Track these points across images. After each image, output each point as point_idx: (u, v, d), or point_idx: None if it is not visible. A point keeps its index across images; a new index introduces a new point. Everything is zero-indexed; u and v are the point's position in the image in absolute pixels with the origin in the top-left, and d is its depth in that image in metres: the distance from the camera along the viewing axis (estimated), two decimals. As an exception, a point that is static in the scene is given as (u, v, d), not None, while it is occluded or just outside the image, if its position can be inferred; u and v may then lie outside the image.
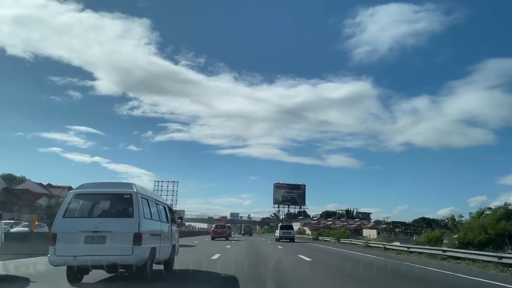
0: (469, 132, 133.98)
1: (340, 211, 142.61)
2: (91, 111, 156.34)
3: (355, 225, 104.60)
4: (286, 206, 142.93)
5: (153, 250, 8.34)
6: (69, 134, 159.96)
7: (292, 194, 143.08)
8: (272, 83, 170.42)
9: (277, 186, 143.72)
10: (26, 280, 7.88)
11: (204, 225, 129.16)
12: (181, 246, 13.63)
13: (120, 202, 8.28)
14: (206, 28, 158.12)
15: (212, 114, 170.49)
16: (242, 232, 70.38)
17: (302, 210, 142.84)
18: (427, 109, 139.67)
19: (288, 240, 37.78)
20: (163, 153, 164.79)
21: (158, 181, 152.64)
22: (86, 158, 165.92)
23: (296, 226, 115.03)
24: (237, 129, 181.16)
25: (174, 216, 11.54)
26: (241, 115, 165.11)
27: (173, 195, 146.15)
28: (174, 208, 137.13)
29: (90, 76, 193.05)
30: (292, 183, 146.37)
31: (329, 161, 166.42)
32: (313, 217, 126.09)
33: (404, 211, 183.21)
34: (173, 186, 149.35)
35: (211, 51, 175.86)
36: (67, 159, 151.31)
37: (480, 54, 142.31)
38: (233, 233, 72.04)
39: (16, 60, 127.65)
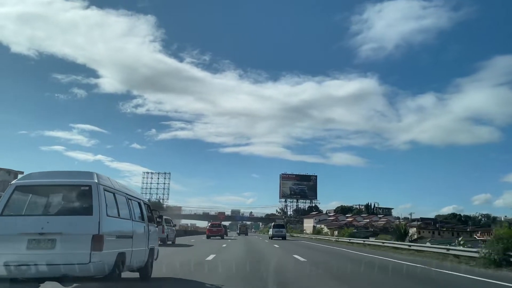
0: (474, 130, 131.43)
1: (358, 206, 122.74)
2: (95, 109, 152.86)
3: (382, 222, 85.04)
4: (295, 200, 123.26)
5: (121, 256, 6.83)
6: (72, 132, 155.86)
7: (301, 186, 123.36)
8: (277, 80, 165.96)
9: (284, 177, 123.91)
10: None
11: (205, 223, 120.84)
12: (176, 245, 18.03)
13: (76, 195, 6.70)
14: (212, 25, 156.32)
15: (217, 112, 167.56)
16: (238, 231, 68.83)
17: (313, 205, 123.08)
18: (433, 106, 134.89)
19: (280, 238, 39.71)
20: (166, 151, 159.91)
21: (148, 173, 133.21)
22: (89, 157, 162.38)
23: (309, 223, 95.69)
24: (241, 127, 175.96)
25: (153, 214, 9.56)
26: (246, 113, 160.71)
27: (164, 188, 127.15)
28: (166, 204, 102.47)
29: (95, 74, 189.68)
30: (302, 173, 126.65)
31: (333, 159, 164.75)
32: (326, 212, 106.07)
33: (407, 209, 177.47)
34: (165, 178, 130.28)
35: (216, 48, 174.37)
36: (70, 157, 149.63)
37: (488, 50, 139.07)
38: (230, 231, 71.05)
39: (20, 58, 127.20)
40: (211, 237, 38.11)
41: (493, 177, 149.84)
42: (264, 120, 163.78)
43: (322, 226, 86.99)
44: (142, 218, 8.49)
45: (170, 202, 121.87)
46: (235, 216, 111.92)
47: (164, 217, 22.52)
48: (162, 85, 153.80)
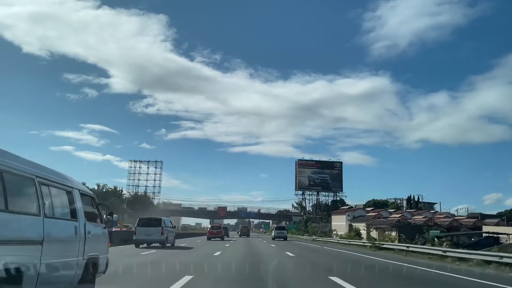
0: (488, 129, 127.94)
1: (395, 200, 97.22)
2: (105, 109, 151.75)
3: (447, 221, 59.76)
4: (314, 192, 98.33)
5: (16, 273, 4.47)
6: (82, 132, 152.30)
7: (323, 175, 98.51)
8: (288, 79, 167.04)
9: (302, 164, 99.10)
10: None
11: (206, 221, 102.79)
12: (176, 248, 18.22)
13: None
14: (223, 24, 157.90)
15: (227, 111, 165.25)
16: (239, 232, 60.85)
17: (338, 198, 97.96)
18: (446, 105, 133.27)
19: (282, 239, 43.99)
20: (175, 151, 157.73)
21: (135, 161, 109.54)
22: (98, 157, 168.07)
23: (339, 221, 70.90)
24: (250, 126, 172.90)
25: (99, 211, 7.29)
26: (256, 112, 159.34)
27: (155, 180, 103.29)
28: (157, 199, 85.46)
29: (105, 74, 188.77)
30: (323, 159, 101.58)
31: (343, 158, 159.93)
32: (364, 206, 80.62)
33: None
34: (156, 168, 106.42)
35: (227, 47, 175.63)
36: (79, 157, 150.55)
37: (503, 48, 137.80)
38: (231, 231, 69.40)
39: (32, 58, 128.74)
40: (212, 239, 38.09)
41: (505, 176, 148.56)
42: (274, 119, 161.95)
43: (358, 225, 62.15)
44: (72, 214, 6.04)
45: (174, 200, 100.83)
46: (240, 212, 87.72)
47: (163, 218, 21.89)
48: (172, 84, 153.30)
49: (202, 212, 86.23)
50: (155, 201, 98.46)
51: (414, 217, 66.83)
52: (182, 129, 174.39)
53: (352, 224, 62.25)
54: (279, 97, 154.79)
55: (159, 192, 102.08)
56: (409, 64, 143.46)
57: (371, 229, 54.61)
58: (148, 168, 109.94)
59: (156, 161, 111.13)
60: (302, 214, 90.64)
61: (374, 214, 65.82)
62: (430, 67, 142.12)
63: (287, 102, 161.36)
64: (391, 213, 69.79)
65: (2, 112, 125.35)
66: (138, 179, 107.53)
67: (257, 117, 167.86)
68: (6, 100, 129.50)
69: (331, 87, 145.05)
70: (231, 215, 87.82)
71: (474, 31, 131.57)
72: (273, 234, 46.58)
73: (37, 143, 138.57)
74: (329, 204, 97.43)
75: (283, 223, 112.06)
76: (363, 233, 61.88)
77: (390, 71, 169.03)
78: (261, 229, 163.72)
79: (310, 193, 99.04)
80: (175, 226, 29.26)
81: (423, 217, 65.01)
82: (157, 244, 20.96)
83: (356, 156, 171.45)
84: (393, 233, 46.35)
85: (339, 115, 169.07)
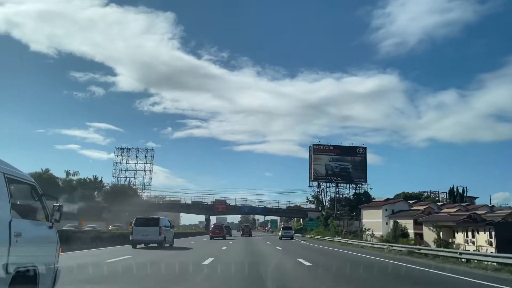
0: (496, 127, 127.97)
1: (429, 193, 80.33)
2: (111, 108, 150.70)
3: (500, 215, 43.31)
4: (333, 183, 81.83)
5: None
6: (88, 131, 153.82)
7: (343, 163, 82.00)
8: (295, 77, 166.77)
9: (318, 150, 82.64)
10: None
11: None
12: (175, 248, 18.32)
13: None
14: (230, 22, 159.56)
15: (233, 109, 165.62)
16: (241, 232, 58.31)
17: (362, 190, 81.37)
18: (454, 103, 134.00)
19: (289, 238, 44.99)
20: (181, 150, 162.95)
21: (121, 149, 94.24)
22: (103, 155, 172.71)
23: (373, 217, 54.47)
24: (257, 125, 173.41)
25: (43, 203, 5.45)
26: (262, 110, 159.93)
27: (145, 170, 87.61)
28: (147, 193, 75.00)
29: (112, 72, 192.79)
30: (341, 143, 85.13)
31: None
32: (395, 200, 63.72)
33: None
34: (146, 157, 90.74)
35: (234, 45, 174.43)
36: (85, 156, 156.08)
37: None
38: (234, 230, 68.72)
39: (39, 56, 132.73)
40: (214, 238, 38.37)
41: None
42: (281, 118, 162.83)
43: (404, 222, 45.89)
44: None
45: (167, 193, 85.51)
46: (243, 208, 71.41)
47: (161, 217, 22.10)
48: (179, 82, 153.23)
49: (195, 207, 70.25)
50: (144, 195, 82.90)
51: (473, 212, 50.06)
52: (188, 128, 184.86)
53: (397, 220, 45.71)
54: (286, 95, 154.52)
55: (149, 185, 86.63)
56: (418, 62, 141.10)
57: (431, 228, 38.00)
58: (137, 157, 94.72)
59: (146, 149, 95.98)
60: (320, 209, 74.19)
61: (422, 207, 49.13)
62: (439, 65, 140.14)
63: (294, 101, 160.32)
64: (440, 207, 53.09)
65: (10, 111, 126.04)
66: (126, 170, 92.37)
67: (263, 116, 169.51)
68: (14, 98, 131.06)
69: (339, 85, 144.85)
70: (232, 210, 71.96)
71: (484, 28, 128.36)
72: (280, 233, 48.74)
73: (44, 141, 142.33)
74: (351, 197, 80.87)
75: (294, 221, 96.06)
76: (410, 233, 45.52)
77: (398, 69, 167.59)
78: (267, 228, 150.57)
79: (328, 184, 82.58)
80: (173, 226, 27.70)
81: (485, 212, 48.30)
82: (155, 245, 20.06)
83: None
84: (483, 234, 29.90)
85: (346, 114, 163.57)
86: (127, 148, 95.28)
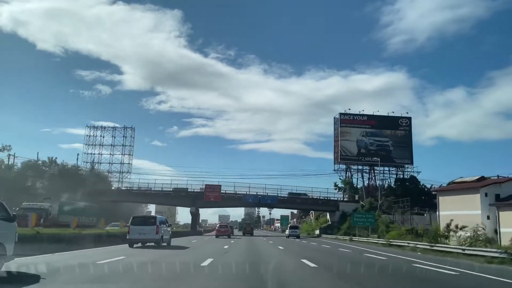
0: (505, 125, 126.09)
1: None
2: (117, 106, 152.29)
3: None
4: (367, 166, 60.90)
5: None
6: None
7: (381, 139, 61.32)
8: (302, 75, 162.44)
9: (347, 121, 62.03)
10: (36, 277, 7.65)
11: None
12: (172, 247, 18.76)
13: None
14: (238, 20, 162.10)
15: (239, 108, 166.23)
16: (243, 231, 54.00)
17: (407, 175, 60.28)
18: (463, 101, 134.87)
19: (295, 237, 42.67)
20: (186, 148, 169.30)
21: (94, 127, 74.42)
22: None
23: (461, 208, 33.49)
24: (263, 123, 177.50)
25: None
26: (269, 108, 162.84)
27: (122, 155, 68.10)
28: (127, 179, 64.91)
29: (118, 70, 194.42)
30: (377, 113, 64.13)
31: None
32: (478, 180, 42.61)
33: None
34: (124, 138, 71.15)
35: (241, 43, 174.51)
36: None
37: None
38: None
39: (46, 55, 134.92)
40: (219, 236, 38.92)
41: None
42: (287, 116, 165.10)
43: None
44: None
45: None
46: (245, 197, 50.00)
47: (158, 216, 22.48)
48: (186, 81, 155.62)
49: (177, 196, 49.40)
50: (122, 183, 62.33)
51: None
52: (193, 126, 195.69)
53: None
54: (293, 93, 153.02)
55: (128, 172, 65.92)
56: (427, 59, 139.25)
57: None
58: (113, 137, 74.21)
59: (125, 127, 75.28)
60: (357, 197, 53.08)
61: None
62: (448, 62, 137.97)
63: (300, 99, 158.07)
64: None
65: (16, 110, 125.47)
66: (100, 153, 71.79)
67: (269, 114, 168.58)
68: (20, 97, 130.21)
69: (346, 83, 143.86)
70: (230, 200, 50.90)
71: (496, 24, 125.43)
72: (287, 232, 45.96)
73: (49, 140, 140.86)
74: (392, 184, 59.72)
75: (312, 217, 75.28)
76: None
77: (406, 66, 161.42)
78: (273, 226, 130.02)
79: (361, 168, 61.47)
80: (170, 225, 27.54)
81: None
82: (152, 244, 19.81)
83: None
84: None
85: (354, 112, 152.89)
86: (102, 127, 75.27)
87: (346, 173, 60.98)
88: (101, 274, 8.90)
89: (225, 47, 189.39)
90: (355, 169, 61.51)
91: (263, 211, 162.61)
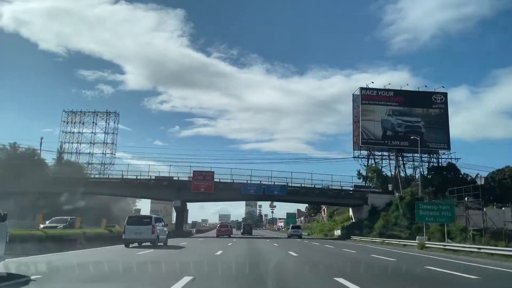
0: (509, 125, 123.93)
1: None
2: (120, 106, 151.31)
3: None
4: (393, 151, 50.16)
5: None
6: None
7: (411, 119, 50.64)
8: (304, 74, 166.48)
9: (370, 97, 51.30)
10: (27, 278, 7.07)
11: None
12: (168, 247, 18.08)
13: None
14: (240, 19, 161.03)
15: (241, 107, 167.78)
16: (242, 230, 54.90)
17: (444, 162, 49.49)
18: (466, 100, 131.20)
19: (297, 237, 40.71)
20: (188, 148, 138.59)
21: (72, 112, 64.58)
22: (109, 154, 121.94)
23: None
24: (264, 123, 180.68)
25: None
26: (271, 108, 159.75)
27: (105, 143, 58.42)
28: (110, 171, 54.47)
29: (121, 70, 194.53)
30: (405, 87, 53.39)
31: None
32: None
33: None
34: (107, 125, 61.10)
35: (244, 42, 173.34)
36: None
37: None
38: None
39: (48, 55, 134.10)
40: (220, 236, 38.39)
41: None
42: (289, 115, 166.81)
43: None
44: None
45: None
46: (245, 187, 38.98)
47: (154, 216, 21.57)
48: (188, 80, 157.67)
49: (157, 186, 38.17)
50: (98, 174, 51.54)
51: None
52: (195, 126, 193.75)
53: None
54: (295, 92, 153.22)
55: (112, 164, 55.64)
56: (430, 58, 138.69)
57: None
58: (94, 123, 64.61)
59: (107, 112, 65.24)
60: (391, 189, 42.07)
61: None
62: (451, 61, 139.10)
63: (303, 98, 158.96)
64: None
65: (18, 110, 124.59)
66: (78, 142, 61.98)
67: (272, 113, 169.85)
68: (22, 97, 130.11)
69: (348, 82, 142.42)
70: (226, 191, 39.39)
71: (500, 23, 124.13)
72: (289, 232, 44.62)
73: (50, 140, 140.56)
74: (424, 173, 48.85)
75: (324, 213, 64.30)
76: None
77: (409, 65, 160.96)
78: (275, 226, 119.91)
79: (387, 154, 50.63)
80: (167, 224, 25.45)
81: None
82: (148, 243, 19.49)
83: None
84: None
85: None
86: (81, 111, 64.66)
87: (368, 161, 50.21)
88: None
89: (227, 46, 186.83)
90: (379, 155, 50.76)
91: (265, 209, 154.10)
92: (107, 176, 42.43)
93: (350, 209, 43.57)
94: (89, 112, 65.29)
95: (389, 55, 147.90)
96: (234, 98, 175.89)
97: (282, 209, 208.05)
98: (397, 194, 38.40)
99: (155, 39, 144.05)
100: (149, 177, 38.61)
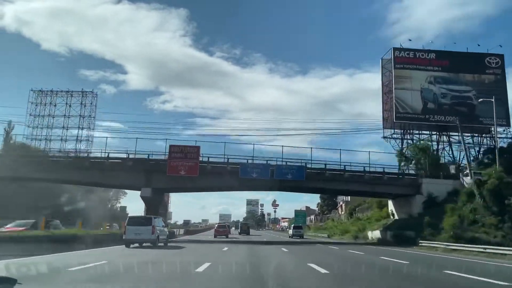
0: None
1: None
2: (122, 106, 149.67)
3: None
4: (434, 129, 38.86)
5: None
6: (97, 130, 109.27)
7: (459, 88, 39.02)
8: (307, 74, 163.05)
9: (405, 60, 39.58)
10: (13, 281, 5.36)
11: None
12: (169, 248, 17.94)
13: None
14: (243, 18, 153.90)
15: (244, 107, 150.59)
16: (239, 230, 55.55)
17: (504, 142, 38.15)
18: None
19: (298, 237, 41.43)
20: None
21: (40, 91, 52.60)
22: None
23: None
24: (267, 123, 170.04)
25: None
26: (273, 107, 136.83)
27: (81, 129, 47.06)
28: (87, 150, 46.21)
29: (123, 70, 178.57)
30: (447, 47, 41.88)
31: (361, 155, 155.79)
32: None
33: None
34: (83, 107, 49.42)
35: (247, 42, 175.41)
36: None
37: None
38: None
39: (50, 55, 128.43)
40: (217, 236, 37.95)
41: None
42: (292, 115, 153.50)
43: None
44: None
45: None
46: (244, 168, 27.75)
47: (154, 217, 20.89)
48: (190, 80, 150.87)
49: (116, 167, 26.48)
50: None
51: None
52: (197, 126, 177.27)
53: None
54: (298, 92, 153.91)
55: (88, 151, 45.54)
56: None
57: None
58: (68, 105, 55.11)
59: (82, 92, 55.74)
60: (455, 173, 30.69)
61: None
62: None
63: (306, 97, 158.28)
64: None
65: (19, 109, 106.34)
66: (48, 127, 52.88)
67: (274, 113, 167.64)
68: (24, 97, 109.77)
69: (351, 81, 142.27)
70: (217, 175, 27.44)
71: (504, 21, 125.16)
72: (290, 232, 46.39)
73: (51, 140, 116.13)
74: (479, 156, 37.55)
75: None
76: None
77: None
78: (278, 225, 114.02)
79: (427, 134, 39.46)
80: (168, 225, 26.06)
81: None
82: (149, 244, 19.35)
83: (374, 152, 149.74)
84: None
85: (359, 111, 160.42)
86: (51, 91, 54.16)
87: (402, 142, 39.07)
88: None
89: (230, 46, 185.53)
90: (416, 134, 39.58)
91: (267, 208, 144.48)
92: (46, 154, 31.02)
93: (390, 202, 32.46)
94: (62, 91, 54.94)
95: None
96: (236, 98, 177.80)
97: (283, 208, 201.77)
98: (466, 178, 27.10)
99: (158, 39, 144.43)
100: (105, 155, 27.36)
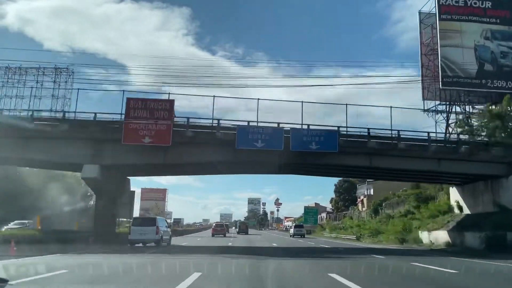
0: None
1: None
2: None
3: None
4: (482, 99, 29.45)
5: None
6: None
7: None
8: (311, 73, 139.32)
9: (452, 9, 30.17)
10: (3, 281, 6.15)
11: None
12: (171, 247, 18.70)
13: None
14: (246, 17, 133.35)
15: (245, 107, 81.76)
16: (238, 230, 56.48)
17: None
18: None
19: (299, 236, 42.17)
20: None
21: (7, 68, 41.44)
22: None
23: None
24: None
25: None
26: (276, 107, 72.96)
27: (53, 112, 36.48)
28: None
29: (125, 69, 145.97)
30: None
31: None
32: None
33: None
34: (57, 84, 39.42)
35: (250, 41, 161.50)
36: None
37: None
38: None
39: (53, 54, 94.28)
40: (215, 235, 40.19)
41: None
42: (295, 115, 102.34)
43: None
44: None
45: None
46: (243, 134, 18.76)
47: (157, 217, 21.47)
48: (193, 79, 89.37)
49: (46, 132, 17.19)
50: None
51: None
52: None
53: None
54: (301, 91, 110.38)
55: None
56: None
57: None
58: (40, 83, 45.39)
59: (56, 68, 46.09)
60: None
61: None
62: None
63: (309, 97, 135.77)
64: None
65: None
66: (16, 110, 43.14)
67: (276, 113, 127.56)
68: (24, 97, 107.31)
69: (355, 80, 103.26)
70: (199, 143, 18.63)
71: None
72: (291, 231, 47.22)
73: None
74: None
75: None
76: None
77: (418, 63, 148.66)
78: (281, 225, 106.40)
79: (483, 104, 30.39)
80: (170, 226, 26.53)
81: None
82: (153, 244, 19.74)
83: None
84: None
85: (363, 110, 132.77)
86: (20, 68, 45.34)
87: (448, 115, 30.03)
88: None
89: (233, 45, 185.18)
90: (471, 103, 30.51)
91: (270, 206, 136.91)
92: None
93: (454, 190, 23.43)
94: (32, 68, 46.32)
95: (397, 52, 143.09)
96: (239, 97, 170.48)
97: (285, 208, 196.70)
98: None
99: (160, 38, 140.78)
100: (30, 113, 18.38)
